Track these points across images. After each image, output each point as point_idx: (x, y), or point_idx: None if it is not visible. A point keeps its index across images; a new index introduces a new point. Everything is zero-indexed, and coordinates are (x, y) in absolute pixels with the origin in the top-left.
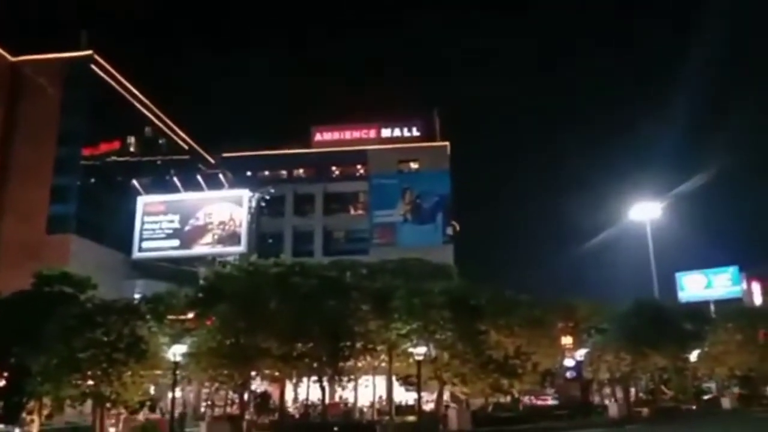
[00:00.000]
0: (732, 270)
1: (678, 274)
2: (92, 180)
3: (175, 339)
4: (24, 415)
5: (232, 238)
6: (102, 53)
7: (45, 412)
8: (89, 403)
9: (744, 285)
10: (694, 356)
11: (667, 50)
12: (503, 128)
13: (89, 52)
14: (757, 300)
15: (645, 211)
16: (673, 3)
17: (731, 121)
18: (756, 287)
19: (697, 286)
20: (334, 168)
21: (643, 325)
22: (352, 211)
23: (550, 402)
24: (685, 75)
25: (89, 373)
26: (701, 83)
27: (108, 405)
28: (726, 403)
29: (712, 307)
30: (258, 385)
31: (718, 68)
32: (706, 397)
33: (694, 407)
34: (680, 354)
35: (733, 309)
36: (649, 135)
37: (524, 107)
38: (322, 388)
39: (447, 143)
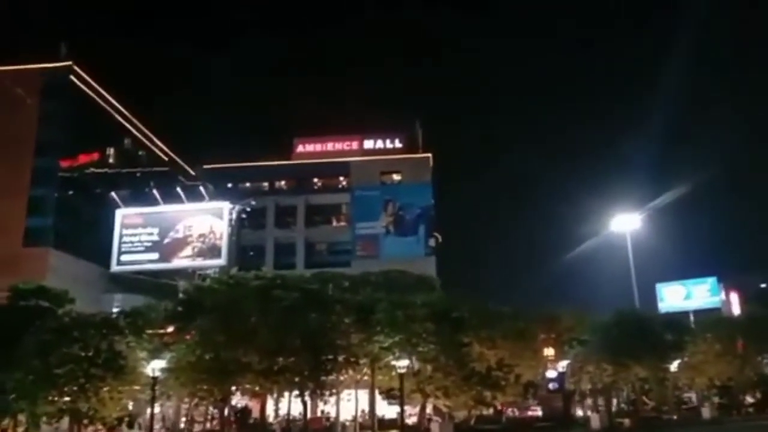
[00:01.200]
0: (711, 281)
1: (658, 285)
2: (70, 192)
3: (154, 354)
4: None
5: (213, 250)
6: (81, 64)
7: (20, 429)
8: (66, 419)
9: (722, 295)
10: (674, 366)
11: (645, 65)
12: (485, 141)
13: (68, 62)
14: (736, 310)
15: (625, 223)
16: (650, 17)
17: (709, 135)
18: (734, 298)
19: (677, 296)
20: (316, 180)
21: (624, 336)
22: (335, 223)
23: (539, 413)
24: (664, 89)
25: (66, 389)
26: (679, 97)
27: (85, 421)
28: (706, 412)
29: (692, 318)
30: (238, 400)
31: (697, 83)
32: (686, 407)
33: (675, 417)
34: (661, 364)
35: (712, 319)
36: (629, 148)
37: (506, 121)
38: (304, 403)
39: (429, 155)
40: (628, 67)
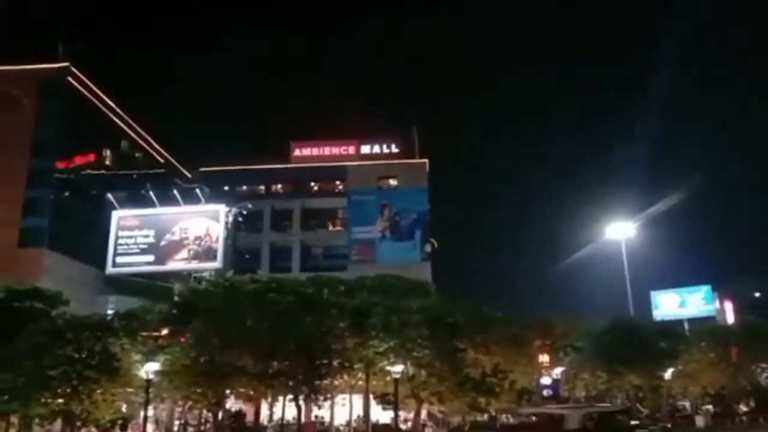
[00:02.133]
0: (705, 289)
1: (653, 293)
2: (66, 193)
3: (149, 356)
4: None
5: (208, 253)
6: (78, 65)
7: (12, 430)
8: (59, 421)
9: (717, 304)
10: (668, 374)
11: (637, 71)
12: (482, 149)
13: (65, 63)
14: (730, 319)
15: (620, 231)
16: (638, 22)
17: (706, 142)
18: (728, 306)
19: (672, 304)
20: (312, 184)
21: (619, 343)
22: (331, 227)
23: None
24: (656, 96)
25: (59, 390)
26: (672, 104)
27: (78, 423)
28: (700, 421)
29: (686, 326)
30: (232, 404)
31: (690, 88)
32: (679, 415)
33: (668, 425)
34: (655, 372)
35: (706, 327)
36: (624, 155)
37: (503, 126)
38: (298, 407)
39: (426, 160)
40: (625, 72)
